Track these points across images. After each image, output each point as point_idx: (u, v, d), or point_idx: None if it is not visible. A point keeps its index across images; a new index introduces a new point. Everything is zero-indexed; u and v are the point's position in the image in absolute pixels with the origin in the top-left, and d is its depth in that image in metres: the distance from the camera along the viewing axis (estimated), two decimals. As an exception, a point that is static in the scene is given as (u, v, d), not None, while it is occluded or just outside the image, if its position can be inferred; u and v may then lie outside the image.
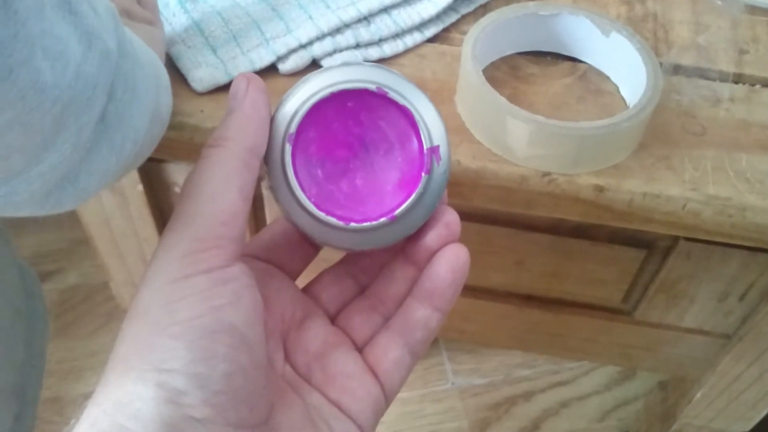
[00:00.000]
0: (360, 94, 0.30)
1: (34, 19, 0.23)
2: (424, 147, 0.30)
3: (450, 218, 0.31)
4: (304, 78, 0.31)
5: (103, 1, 0.28)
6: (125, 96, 0.28)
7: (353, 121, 0.30)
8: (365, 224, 0.30)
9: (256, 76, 0.30)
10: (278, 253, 0.34)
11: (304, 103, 0.30)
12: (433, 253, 0.31)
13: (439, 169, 0.30)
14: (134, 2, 0.43)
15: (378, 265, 0.34)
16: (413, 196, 0.30)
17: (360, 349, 0.32)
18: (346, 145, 0.31)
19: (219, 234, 0.27)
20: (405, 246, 0.32)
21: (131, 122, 0.29)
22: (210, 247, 0.27)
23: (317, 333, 0.32)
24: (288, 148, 0.29)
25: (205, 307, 0.26)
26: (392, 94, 0.30)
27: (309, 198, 0.30)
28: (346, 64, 0.31)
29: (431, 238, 0.31)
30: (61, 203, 0.29)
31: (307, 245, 0.34)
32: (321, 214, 0.30)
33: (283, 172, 0.30)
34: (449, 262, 0.31)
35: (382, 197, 0.31)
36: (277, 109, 0.30)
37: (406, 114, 0.30)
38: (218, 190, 0.28)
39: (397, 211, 0.30)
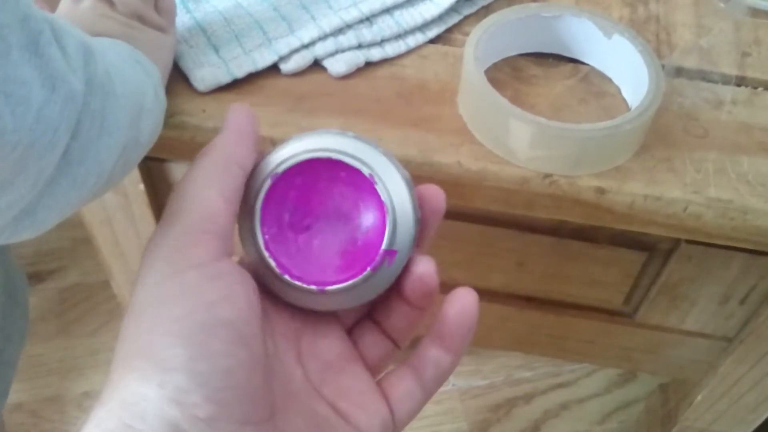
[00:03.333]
0: (353, 171, 0.30)
1: None
2: (382, 247, 0.30)
3: (423, 270, 0.31)
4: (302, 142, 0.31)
5: (75, 37, 0.29)
6: (91, 133, 0.29)
7: (338, 190, 0.31)
8: (295, 282, 0.30)
9: (246, 106, 0.31)
10: None
11: (292, 157, 0.30)
12: (414, 301, 0.31)
13: (389, 269, 0.30)
14: (150, 8, 0.43)
15: None
16: (348, 283, 0.30)
17: (372, 372, 0.33)
18: (320, 207, 0.32)
19: (202, 229, 0.28)
20: (395, 287, 0.32)
21: (97, 157, 0.29)
22: (195, 241, 0.27)
23: (334, 344, 0.32)
24: (269, 182, 0.30)
25: (199, 303, 0.26)
26: (379, 186, 0.30)
27: (263, 234, 0.30)
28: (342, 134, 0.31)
29: (408, 290, 0.31)
30: (18, 234, 0.29)
31: None
32: (265, 254, 0.30)
33: (255, 199, 0.30)
34: (455, 308, 0.31)
35: (325, 268, 0.31)
36: (268, 153, 0.31)
37: (381, 210, 0.30)
38: (198, 190, 0.28)
39: (327, 288, 0.30)
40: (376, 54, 0.48)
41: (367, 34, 0.48)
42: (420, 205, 0.31)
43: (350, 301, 0.31)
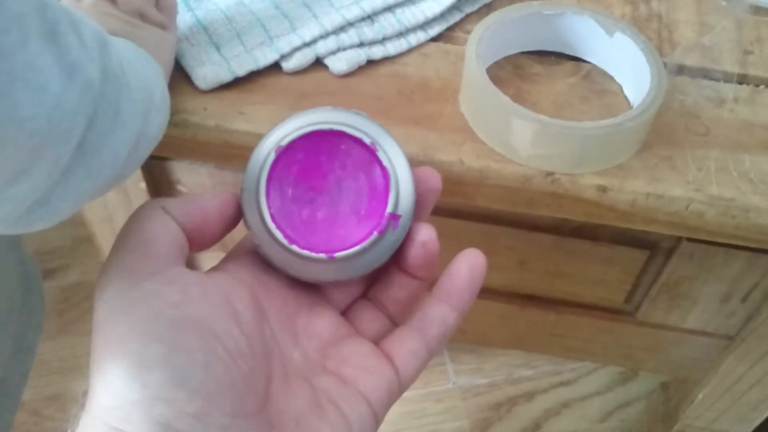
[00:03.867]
0: (353, 142, 0.32)
1: (17, 52, 0.23)
2: (387, 210, 0.31)
3: (425, 236, 0.32)
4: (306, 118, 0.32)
5: (91, 27, 0.29)
6: (106, 123, 0.29)
7: (338, 162, 0.32)
8: (304, 252, 0.31)
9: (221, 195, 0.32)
10: None
11: (294, 131, 0.32)
12: (416, 270, 0.32)
13: (394, 234, 0.32)
14: (151, 5, 0.43)
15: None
16: (356, 248, 0.31)
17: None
18: (322, 180, 0.32)
19: (146, 251, 0.29)
20: (396, 258, 0.32)
21: (112, 147, 0.30)
22: (142, 258, 0.28)
23: (331, 321, 0.33)
24: (273, 155, 0.31)
25: (162, 304, 0.27)
26: (380, 153, 0.31)
27: (269, 207, 0.31)
28: (344, 111, 0.32)
29: (411, 258, 0.32)
30: (32, 224, 0.29)
31: None
32: (272, 226, 0.31)
33: (259, 172, 0.31)
34: (468, 262, 0.32)
35: (331, 238, 0.32)
36: (268, 134, 0.32)
37: (382, 178, 0.32)
38: (135, 224, 0.30)
39: (336, 254, 0.31)
40: (377, 52, 0.48)
41: (368, 32, 0.48)
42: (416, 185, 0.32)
43: (357, 269, 0.32)
